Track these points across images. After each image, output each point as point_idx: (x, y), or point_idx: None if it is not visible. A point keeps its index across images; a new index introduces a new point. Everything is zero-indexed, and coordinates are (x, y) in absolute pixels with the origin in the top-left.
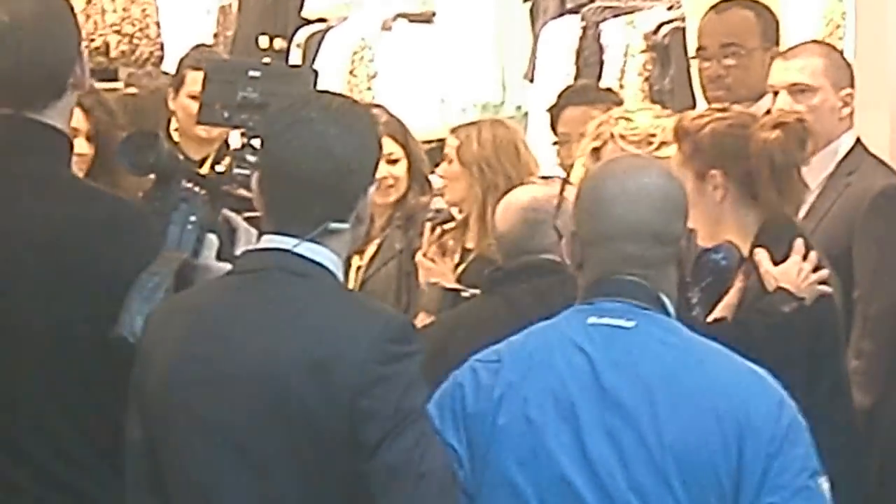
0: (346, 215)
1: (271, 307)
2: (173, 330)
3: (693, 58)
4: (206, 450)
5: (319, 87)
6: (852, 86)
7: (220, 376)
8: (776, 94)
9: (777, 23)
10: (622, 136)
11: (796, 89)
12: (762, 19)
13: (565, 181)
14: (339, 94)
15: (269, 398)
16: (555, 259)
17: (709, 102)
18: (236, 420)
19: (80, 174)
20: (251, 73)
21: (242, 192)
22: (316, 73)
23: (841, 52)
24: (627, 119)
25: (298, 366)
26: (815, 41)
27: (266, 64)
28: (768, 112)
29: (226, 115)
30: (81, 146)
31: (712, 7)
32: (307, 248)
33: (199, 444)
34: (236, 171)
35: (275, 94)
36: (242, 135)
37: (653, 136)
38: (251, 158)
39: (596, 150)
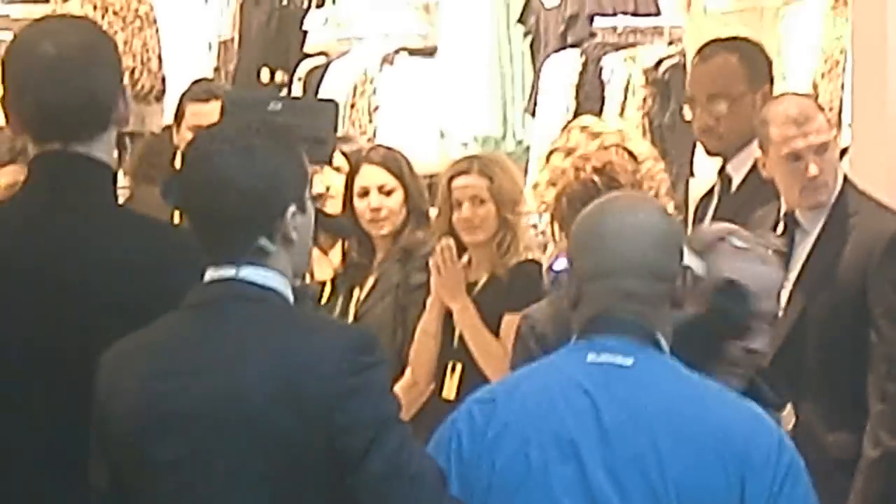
0: (271, 237)
1: (231, 336)
2: (134, 371)
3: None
4: (184, 487)
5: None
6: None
7: (191, 412)
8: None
9: (768, 60)
10: (555, 148)
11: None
12: (746, 61)
13: None
14: (254, 123)
15: (243, 428)
16: None
17: (705, 150)
18: (213, 454)
19: None
20: (271, 106)
21: None
22: (336, 105)
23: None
24: (567, 130)
25: (268, 390)
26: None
27: (289, 98)
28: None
29: None
30: None
31: (698, 51)
32: (252, 273)
33: (177, 482)
34: None
35: (292, 127)
36: None
37: (573, 149)
38: None
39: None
